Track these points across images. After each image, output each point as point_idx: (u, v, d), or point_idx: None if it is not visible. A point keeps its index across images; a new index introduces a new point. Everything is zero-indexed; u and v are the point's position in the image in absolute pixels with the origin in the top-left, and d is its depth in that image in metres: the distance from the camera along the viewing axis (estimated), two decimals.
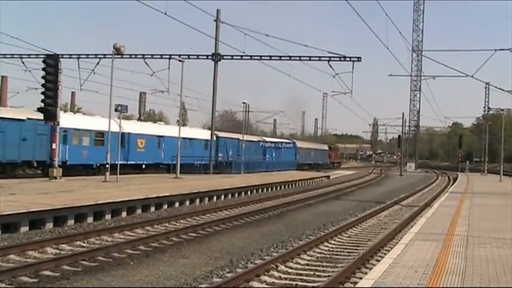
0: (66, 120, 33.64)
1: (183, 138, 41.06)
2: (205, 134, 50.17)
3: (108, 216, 19.70)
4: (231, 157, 53.30)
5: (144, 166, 41.16)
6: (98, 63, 40.83)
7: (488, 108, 77.98)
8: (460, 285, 8.24)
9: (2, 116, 26.13)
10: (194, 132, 51.25)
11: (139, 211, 21.63)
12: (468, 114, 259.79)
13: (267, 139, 70.22)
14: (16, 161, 31.35)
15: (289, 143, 73.80)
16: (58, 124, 28.69)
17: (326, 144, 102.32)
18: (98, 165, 36.11)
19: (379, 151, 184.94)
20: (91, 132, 36.91)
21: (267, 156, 64.52)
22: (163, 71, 41.32)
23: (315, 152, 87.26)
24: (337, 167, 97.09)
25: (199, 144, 48.81)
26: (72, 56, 41.60)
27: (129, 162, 39.10)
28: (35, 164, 32.92)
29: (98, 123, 37.20)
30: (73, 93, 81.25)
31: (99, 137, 36.71)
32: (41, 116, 29.45)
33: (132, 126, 42.18)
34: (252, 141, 60.49)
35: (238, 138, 54.51)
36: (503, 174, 53.91)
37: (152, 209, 22.58)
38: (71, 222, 17.86)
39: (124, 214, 20.66)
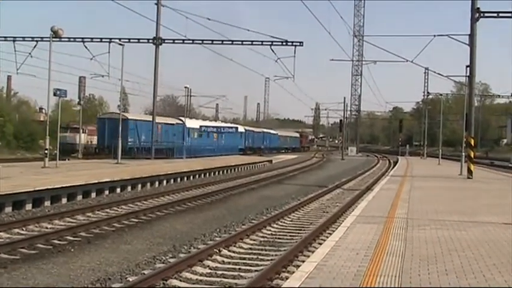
0: (188, 123, 56.44)
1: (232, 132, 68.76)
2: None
3: (47, 203, 19.29)
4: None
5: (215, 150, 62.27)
6: (35, 47, 39.97)
7: (428, 92, 79.68)
8: (399, 266, 8.36)
9: (169, 122, 50.18)
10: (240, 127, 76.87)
11: (79, 197, 21.25)
12: (408, 99, 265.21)
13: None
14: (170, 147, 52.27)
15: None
16: None
17: (298, 132, 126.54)
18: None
19: (321, 135, 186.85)
20: (195, 129, 59.09)
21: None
22: (104, 55, 40.83)
23: (290, 138, 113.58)
24: (306, 150, 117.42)
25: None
26: (8, 39, 40.48)
27: (209, 148, 60.85)
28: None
29: (198, 123, 62.34)
30: (9, 77, 79.15)
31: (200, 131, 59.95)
32: (177, 121, 56.07)
33: (211, 125, 65.98)
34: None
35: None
36: (442, 158, 55.11)
37: (93, 195, 22.21)
38: (8, 209, 17.42)
39: (64, 200, 20.25)
